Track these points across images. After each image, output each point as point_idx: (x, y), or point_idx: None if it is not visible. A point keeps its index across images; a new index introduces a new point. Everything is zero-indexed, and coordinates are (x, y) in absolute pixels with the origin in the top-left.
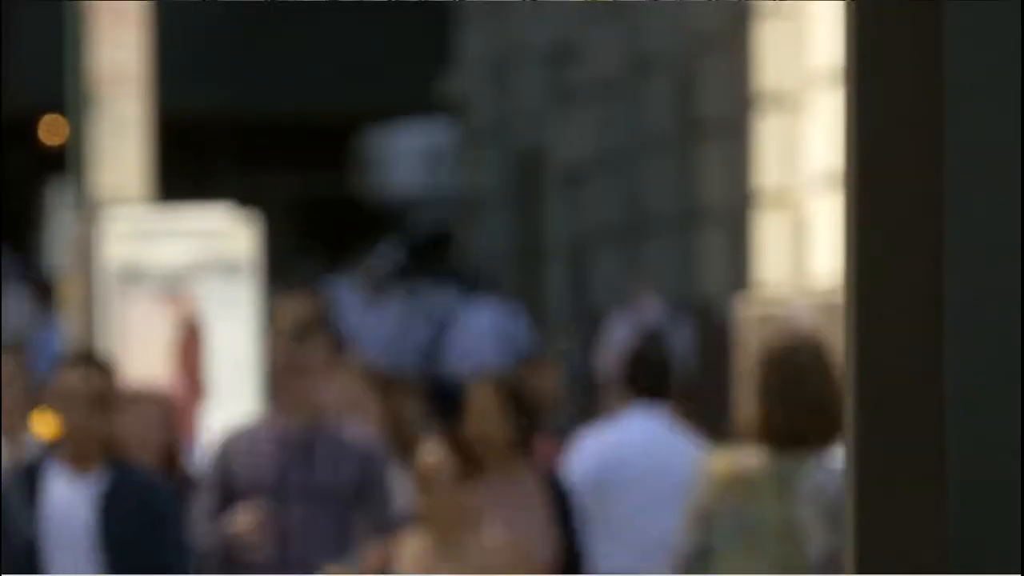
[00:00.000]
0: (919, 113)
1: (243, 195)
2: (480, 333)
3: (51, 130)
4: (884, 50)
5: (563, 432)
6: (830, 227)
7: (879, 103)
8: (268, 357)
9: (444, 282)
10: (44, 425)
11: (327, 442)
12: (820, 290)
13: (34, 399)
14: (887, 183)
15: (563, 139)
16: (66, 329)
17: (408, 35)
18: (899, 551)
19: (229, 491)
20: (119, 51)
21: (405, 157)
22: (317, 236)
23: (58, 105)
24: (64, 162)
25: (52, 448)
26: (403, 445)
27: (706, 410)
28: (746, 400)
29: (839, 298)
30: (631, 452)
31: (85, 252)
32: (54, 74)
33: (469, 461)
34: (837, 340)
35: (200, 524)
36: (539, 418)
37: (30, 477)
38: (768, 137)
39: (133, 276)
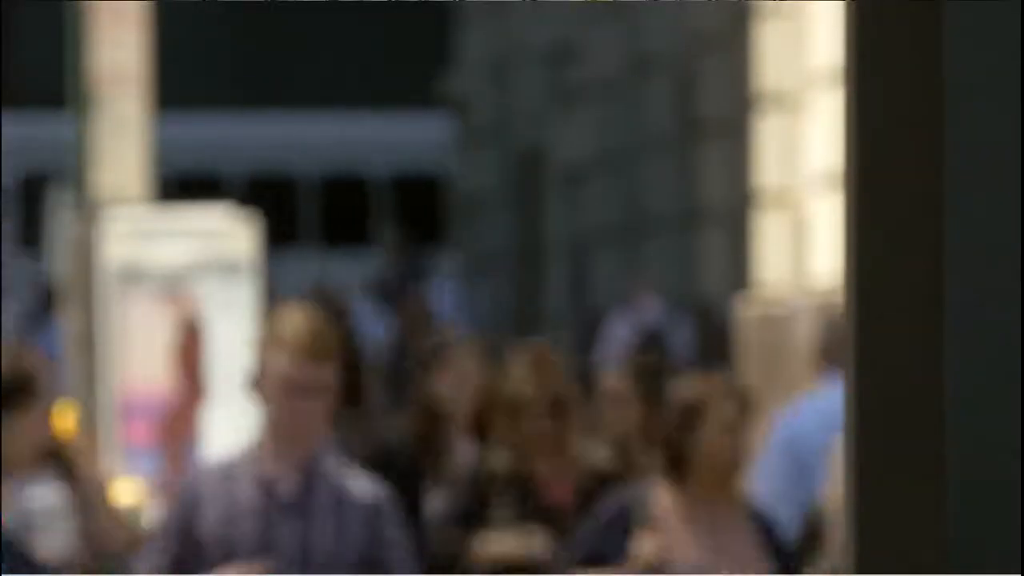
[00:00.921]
0: (919, 113)
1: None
2: None
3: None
4: (884, 50)
5: None
6: (830, 227)
7: (879, 103)
8: (265, 371)
9: None
10: None
11: (328, 491)
12: (820, 290)
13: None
14: (887, 183)
15: (563, 139)
16: (66, 330)
17: (408, 35)
18: (899, 551)
19: (191, 547)
20: (119, 51)
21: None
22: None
23: (58, 105)
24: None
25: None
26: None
27: None
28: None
29: (839, 298)
30: None
31: (85, 252)
32: (54, 74)
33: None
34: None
35: None
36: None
37: None
38: (768, 137)
39: (133, 276)
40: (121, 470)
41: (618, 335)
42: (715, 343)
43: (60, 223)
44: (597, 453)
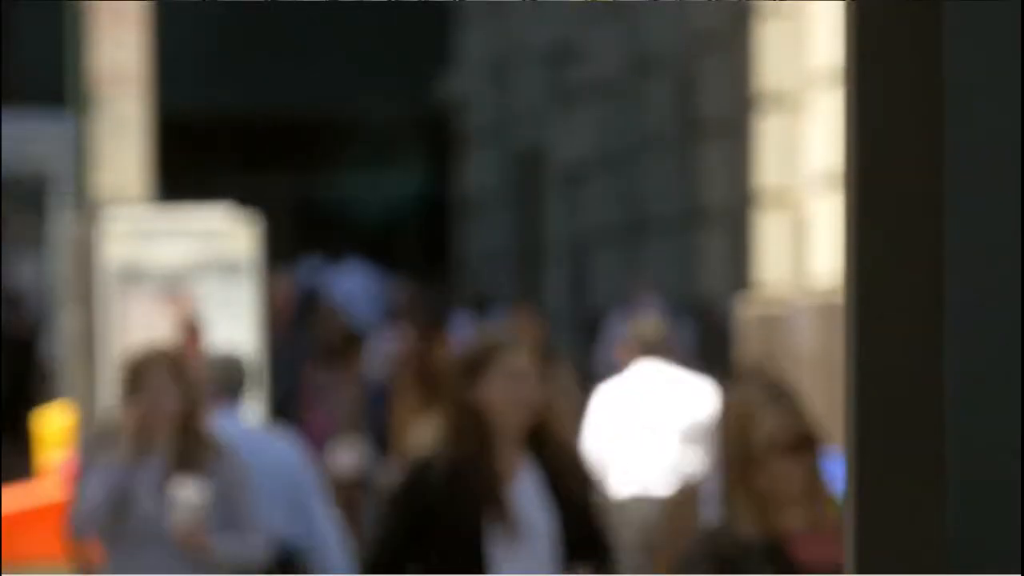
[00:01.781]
0: (919, 113)
1: (243, 195)
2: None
3: None
4: (884, 50)
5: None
6: (830, 227)
7: (879, 103)
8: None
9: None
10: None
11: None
12: (820, 290)
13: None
14: (887, 183)
15: (563, 139)
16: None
17: (408, 35)
18: (899, 551)
19: None
20: (119, 51)
21: None
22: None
23: (58, 105)
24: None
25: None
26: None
27: None
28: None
29: (839, 298)
30: None
31: (85, 252)
32: (54, 74)
33: None
34: (837, 340)
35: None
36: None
37: None
38: (768, 137)
39: (133, 276)
40: None
41: (618, 335)
42: (715, 343)
43: (60, 223)
44: None
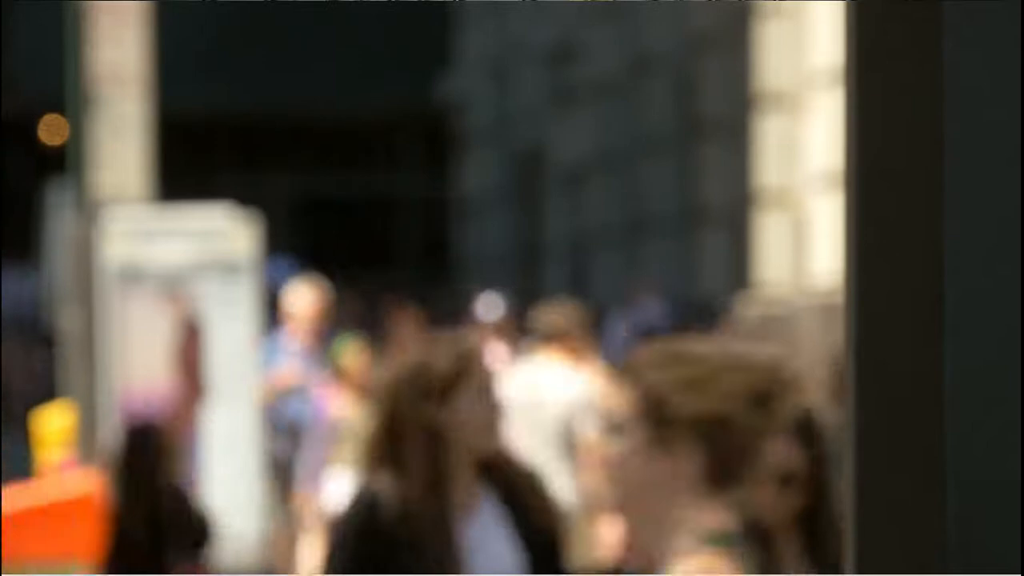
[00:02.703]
0: (919, 113)
1: (243, 195)
2: None
3: (51, 130)
4: (884, 50)
5: None
6: (830, 227)
7: (879, 103)
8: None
9: None
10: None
11: None
12: (820, 290)
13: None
14: (887, 183)
15: (563, 139)
16: (66, 329)
17: (408, 35)
18: (899, 551)
19: None
20: (119, 51)
21: None
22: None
23: (58, 105)
24: (64, 162)
25: None
26: None
27: None
28: None
29: (839, 298)
30: None
31: (85, 252)
32: (54, 74)
33: None
34: (837, 340)
35: None
36: None
37: None
38: (768, 137)
39: (133, 276)
40: None
41: (618, 335)
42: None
43: (60, 223)
44: None
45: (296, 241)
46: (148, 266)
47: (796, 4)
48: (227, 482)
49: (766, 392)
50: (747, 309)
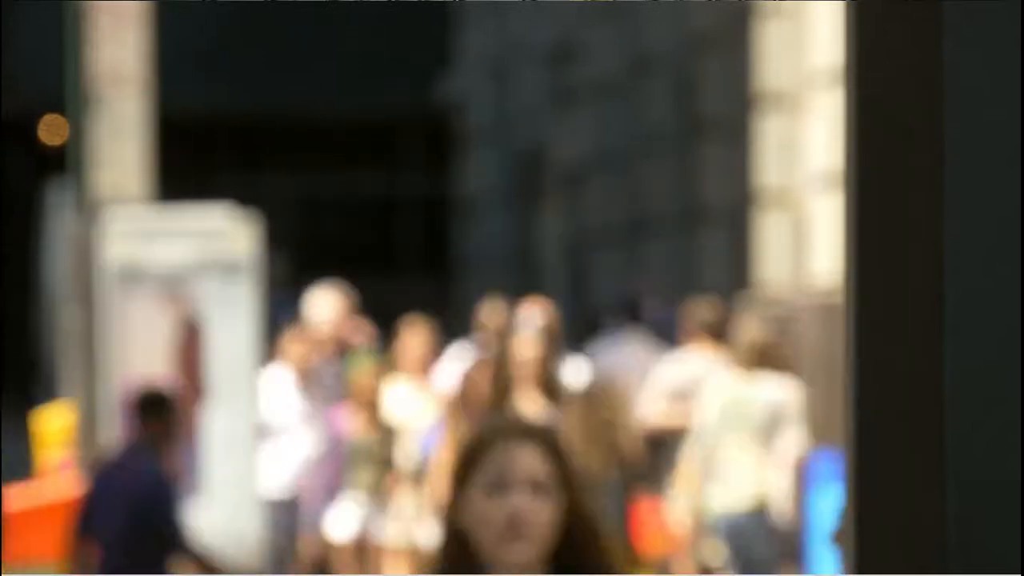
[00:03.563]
0: (919, 113)
1: (243, 195)
2: None
3: (51, 130)
4: (884, 50)
5: None
6: (830, 227)
7: (879, 103)
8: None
9: None
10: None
11: None
12: (820, 290)
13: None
14: (887, 183)
15: (563, 139)
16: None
17: (408, 35)
18: (899, 551)
19: None
20: (119, 50)
21: None
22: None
23: (58, 105)
24: (64, 162)
25: None
26: None
27: None
28: None
29: (839, 298)
30: None
31: (85, 252)
32: (54, 74)
33: None
34: (837, 340)
35: None
36: None
37: None
38: (768, 137)
39: (133, 276)
40: None
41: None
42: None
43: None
44: None
45: (296, 241)
46: (148, 266)
47: (796, 4)
48: (227, 482)
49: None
50: (747, 309)
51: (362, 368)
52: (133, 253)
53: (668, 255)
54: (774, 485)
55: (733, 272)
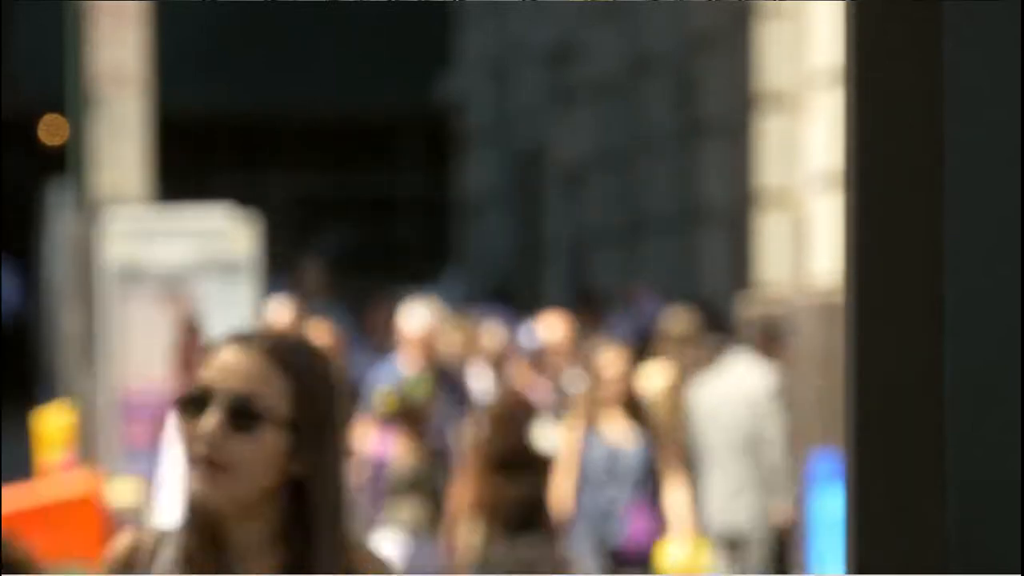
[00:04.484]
0: (919, 113)
1: (243, 195)
2: None
3: (51, 130)
4: (884, 50)
5: None
6: (830, 227)
7: (879, 103)
8: None
9: None
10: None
11: None
12: (820, 290)
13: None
14: (887, 183)
15: (563, 139)
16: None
17: (408, 35)
18: (899, 551)
19: None
20: (119, 50)
21: None
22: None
23: (58, 105)
24: (64, 162)
25: None
26: None
27: None
28: None
29: (839, 298)
30: None
31: (85, 252)
32: (54, 74)
33: None
34: (838, 340)
35: None
36: None
37: None
38: (768, 137)
39: (133, 276)
40: (121, 470)
41: (618, 335)
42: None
43: (60, 223)
44: None
45: (296, 241)
46: (148, 266)
47: (796, 4)
48: None
49: None
50: (747, 309)
51: (417, 388)
52: (133, 253)
53: (668, 255)
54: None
55: (733, 272)
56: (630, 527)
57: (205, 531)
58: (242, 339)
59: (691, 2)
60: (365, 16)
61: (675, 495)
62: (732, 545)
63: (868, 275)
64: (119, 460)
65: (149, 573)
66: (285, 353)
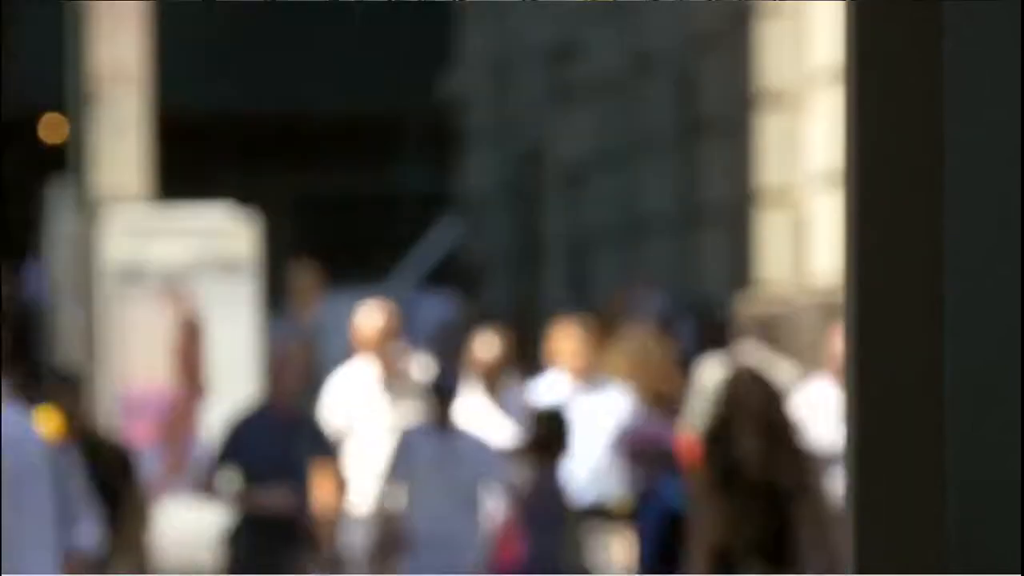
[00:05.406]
0: (919, 113)
1: (243, 195)
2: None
3: (51, 129)
4: (884, 50)
5: None
6: (830, 227)
7: (879, 103)
8: None
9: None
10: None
11: None
12: (820, 290)
13: None
14: (887, 183)
15: (563, 139)
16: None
17: (408, 35)
18: (899, 551)
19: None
20: (119, 50)
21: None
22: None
23: (58, 104)
24: (64, 162)
25: None
26: None
27: None
28: None
29: (839, 298)
30: None
31: (85, 252)
32: (54, 73)
33: None
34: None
35: None
36: None
37: None
38: (768, 137)
39: (133, 275)
40: None
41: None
42: (716, 342)
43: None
44: None
45: (296, 240)
46: (148, 265)
47: (796, 4)
48: None
49: None
50: (747, 308)
51: None
52: (133, 252)
53: (668, 255)
54: None
55: (733, 272)
56: None
57: None
58: None
59: (691, 2)
60: (366, 16)
61: None
62: None
63: (868, 275)
64: None
65: None
66: None
